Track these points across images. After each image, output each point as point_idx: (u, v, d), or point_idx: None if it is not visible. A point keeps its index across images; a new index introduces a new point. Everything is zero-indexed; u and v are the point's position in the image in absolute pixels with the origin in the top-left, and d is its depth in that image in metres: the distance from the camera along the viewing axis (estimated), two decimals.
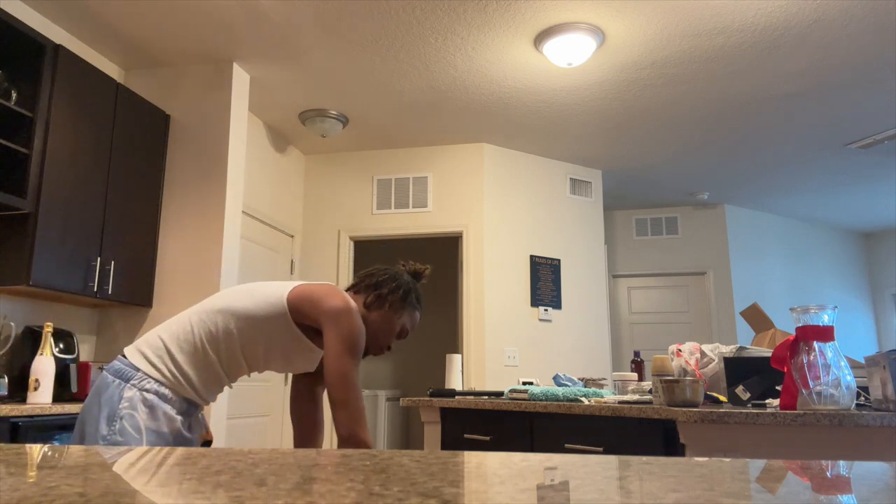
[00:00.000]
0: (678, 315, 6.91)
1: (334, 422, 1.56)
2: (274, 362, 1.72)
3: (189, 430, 1.66)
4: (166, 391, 1.59)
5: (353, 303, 1.63)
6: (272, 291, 1.68)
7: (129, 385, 1.56)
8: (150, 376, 1.59)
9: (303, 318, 1.65)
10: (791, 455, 1.73)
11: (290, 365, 1.74)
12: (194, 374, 1.62)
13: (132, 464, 0.62)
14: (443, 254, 7.12)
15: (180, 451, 0.71)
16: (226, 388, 3.71)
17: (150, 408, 1.56)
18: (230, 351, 1.65)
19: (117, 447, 0.78)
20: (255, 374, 4.65)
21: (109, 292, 3.33)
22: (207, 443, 1.81)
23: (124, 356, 1.63)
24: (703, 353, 2.46)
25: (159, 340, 1.63)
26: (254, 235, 4.70)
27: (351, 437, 1.55)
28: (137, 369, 1.59)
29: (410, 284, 1.81)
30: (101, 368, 3.25)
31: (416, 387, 7.02)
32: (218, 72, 3.95)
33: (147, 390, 1.57)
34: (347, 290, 1.83)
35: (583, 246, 5.66)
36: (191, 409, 1.66)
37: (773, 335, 3.31)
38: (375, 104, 4.56)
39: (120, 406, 1.54)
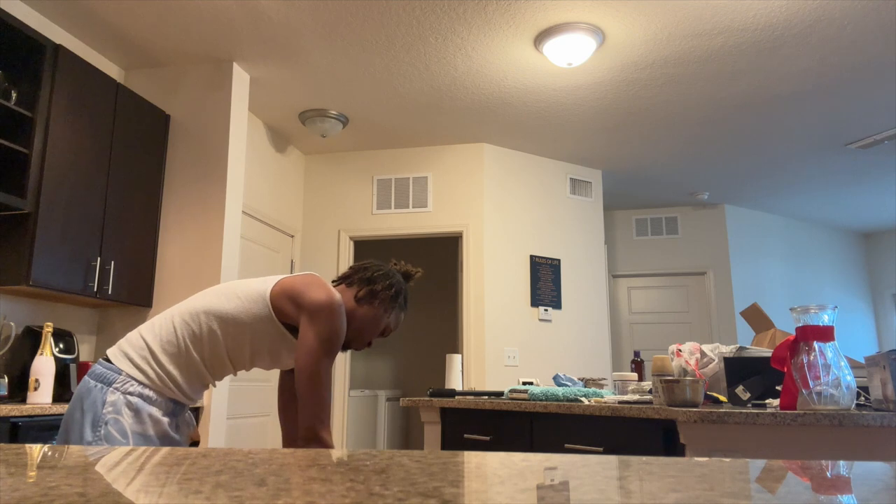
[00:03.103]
0: (678, 315, 6.91)
1: (299, 415, 1.54)
2: (261, 361, 1.69)
3: (176, 431, 1.63)
4: (150, 393, 1.56)
5: (336, 297, 1.59)
6: (254, 290, 1.63)
7: (111, 389, 1.53)
8: (134, 378, 1.55)
9: (285, 317, 1.61)
10: (791, 455, 1.73)
11: (278, 362, 1.71)
12: (179, 374, 1.59)
13: (132, 464, 0.62)
14: (443, 254, 7.12)
15: (180, 451, 0.71)
16: (221, 387, 3.71)
17: (135, 411, 1.53)
18: (214, 352, 1.61)
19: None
20: (255, 374, 4.65)
21: (109, 292, 3.33)
22: (195, 443, 1.79)
23: (107, 359, 1.60)
24: (703, 353, 2.45)
25: (142, 340, 1.60)
26: (254, 235, 4.70)
27: (311, 434, 1.53)
28: (120, 372, 1.55)
29: (402, 285, 1.79)
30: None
31: (416, 387, 7.02)
32: (218, 72, 3.95)
33: (130, 393, 1.54)
34: (338, 281, 1.80)
35: (583, 246, 5.66)
36: (177, 409, 1.63)
37: (773, 335, 3.30)
38: (375, 104, 4.56)
39: (104, 411, 1.51)
